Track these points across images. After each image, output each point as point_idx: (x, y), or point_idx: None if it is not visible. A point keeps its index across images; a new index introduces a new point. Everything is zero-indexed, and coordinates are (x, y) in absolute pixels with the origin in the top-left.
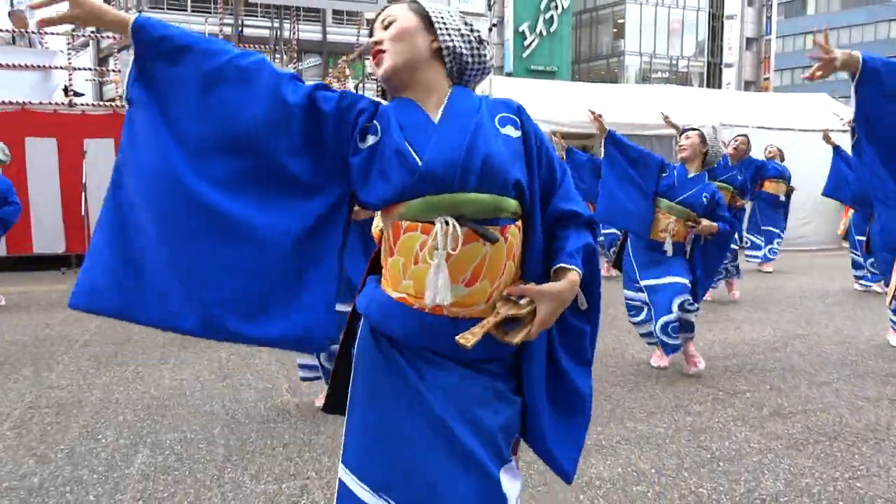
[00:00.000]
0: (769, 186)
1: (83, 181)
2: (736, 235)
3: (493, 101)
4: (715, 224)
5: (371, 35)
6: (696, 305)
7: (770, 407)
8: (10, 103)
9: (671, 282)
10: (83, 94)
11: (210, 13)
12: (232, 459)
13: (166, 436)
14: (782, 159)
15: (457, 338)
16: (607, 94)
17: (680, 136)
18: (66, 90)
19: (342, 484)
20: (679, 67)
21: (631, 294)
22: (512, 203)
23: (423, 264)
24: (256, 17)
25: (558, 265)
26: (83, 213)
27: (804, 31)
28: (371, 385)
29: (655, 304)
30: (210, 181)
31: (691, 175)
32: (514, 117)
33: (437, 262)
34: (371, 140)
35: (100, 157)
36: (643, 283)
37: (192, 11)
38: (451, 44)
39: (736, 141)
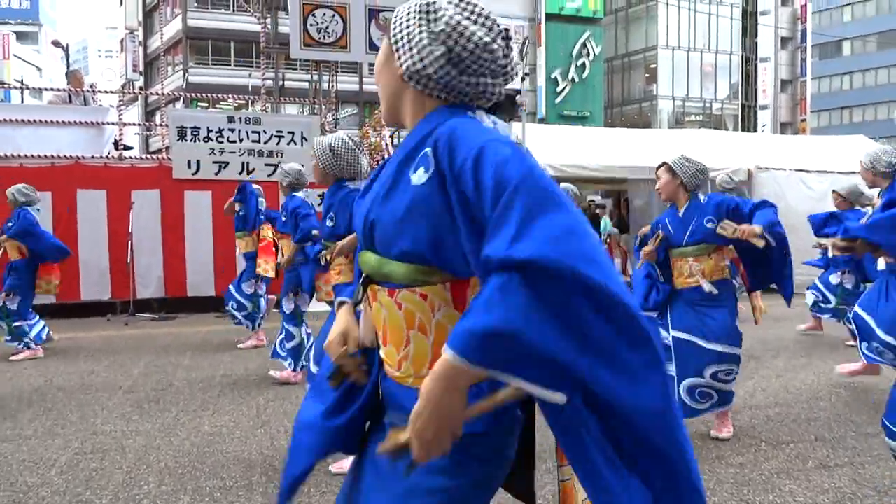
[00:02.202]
0: None
1: (129, 230)
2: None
3: (437, 134)
4: (754, 226)
5: None
6: (734, 375)
7: (816, 459)
8: (65, 157)
9: (707, 347)
10: (132, 148)
11: (253, 68)
12: None
13: (206, 483)
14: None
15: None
16: (640, 139)
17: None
18: (116, 144)
19: None
20: (713, 110)
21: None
22: (397, 268)
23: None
24: (296, 70)
25: None
26: (128, 261)
27: (840, 73)
28: None
29: (680, 359)
30: None
31: (681, 213)
32: (430, 154)
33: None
34: None
35: (145, 208)
36: (672, 332)
37: (236, 66)
38: (408, 63)
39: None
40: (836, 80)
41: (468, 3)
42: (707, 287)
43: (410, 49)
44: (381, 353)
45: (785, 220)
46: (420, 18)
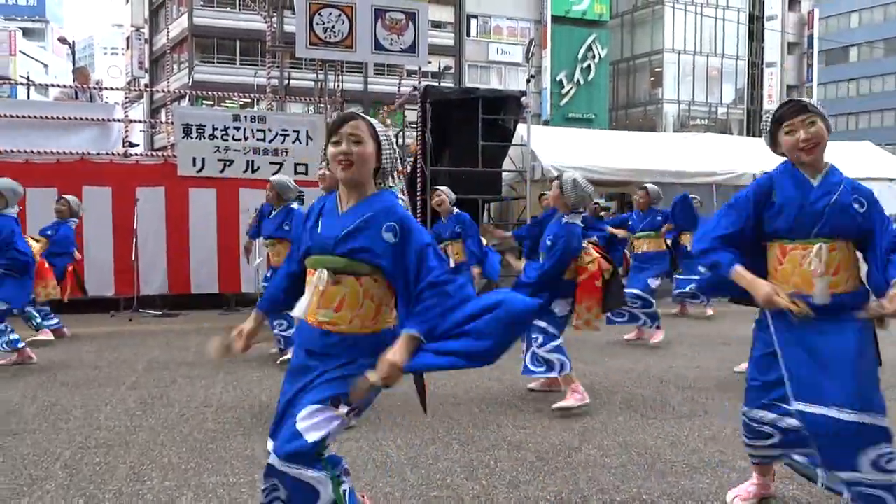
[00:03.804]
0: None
1: (134, 227)
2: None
3: (386, 210)
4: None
5: (337, 138)
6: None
7: None
8: (71, 154)
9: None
10: (138, 145)
11: (258, 66)
12: None
13: (210, 479)
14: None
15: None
16: (645, 142)
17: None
18: (122, 141)
19: None
20: (718, 115)
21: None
22: (364, 267)
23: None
24: (302, 69)
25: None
26: (133, 258)
27: (846, 79)
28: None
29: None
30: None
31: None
32: (396, 226)
33: (312, 292)
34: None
35: (150, 205)
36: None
37: (241, 65)
38: (386, 166)
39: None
40: (842, 87)
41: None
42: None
43: (387, 159)
44: (328, 316)
45: None
46: (391, 143)
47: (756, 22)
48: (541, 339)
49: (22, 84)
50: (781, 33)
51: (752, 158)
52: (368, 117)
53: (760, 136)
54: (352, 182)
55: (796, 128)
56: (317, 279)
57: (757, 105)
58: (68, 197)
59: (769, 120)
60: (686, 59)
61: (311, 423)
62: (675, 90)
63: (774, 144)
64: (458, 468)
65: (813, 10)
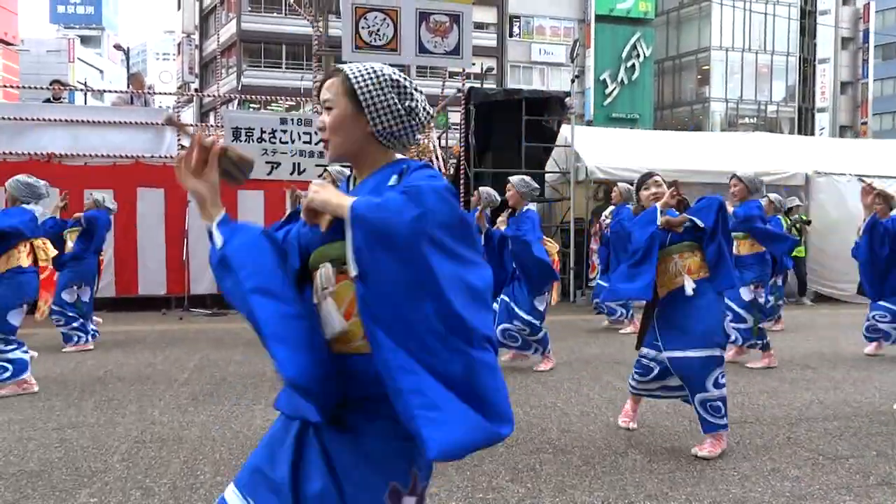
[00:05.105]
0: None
1: (185, 228)
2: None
3: (398, 166)
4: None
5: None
6: (724, 381)
7: (877, 475)
8: (127, 157)
9: (698, 356)
10: None
11: (304, 70)
12: None
13: None
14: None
15: None
16: (690, 142)
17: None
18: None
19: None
20: (767, 113)
21: (649, 353)
22: None
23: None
24: None
25: None
26: (184, 257)
27: None
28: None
29: (685, 379)
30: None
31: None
32: (403, 169)
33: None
34: None
35: None
36: (666, 354)
37: (287, 69)
38: (381, 126)
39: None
40: None
41: (416, 87)
42: (689, 285)
43: (381, 117)
44: (346, 327)
45: (847, 228)
46: (393, 91)
47: (808, 17)
48: None
49: (80, 90)
50: (835, 28)
51: (803, 158)
52: (356, 67)
53: (812, 134)
54: (341, 160)
55: None
56: (319, 281)
57: (808, 103)
58: (96, 194)
59: None
60: (734, 56)
61: None
62: (722, 88)
63: None
64: (504, 470)
65: (869, 3)
